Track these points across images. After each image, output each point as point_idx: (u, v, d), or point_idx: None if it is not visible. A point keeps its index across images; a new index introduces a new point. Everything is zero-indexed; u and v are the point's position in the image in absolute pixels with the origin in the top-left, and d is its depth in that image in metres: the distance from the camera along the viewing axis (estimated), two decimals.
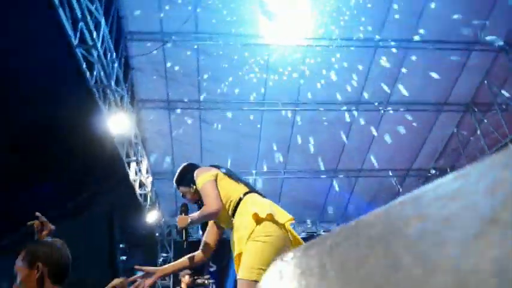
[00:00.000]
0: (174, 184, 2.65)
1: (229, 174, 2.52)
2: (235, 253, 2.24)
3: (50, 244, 1.72)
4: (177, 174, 2.65)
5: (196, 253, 2.56)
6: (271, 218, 2.20)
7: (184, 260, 2.54)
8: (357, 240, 0.40)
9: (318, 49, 6.71)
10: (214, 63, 6.83)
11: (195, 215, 2.36)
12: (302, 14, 6.08)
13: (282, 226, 2.24)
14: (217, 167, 2.56)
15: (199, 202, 2.55)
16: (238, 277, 2.16)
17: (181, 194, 2.62)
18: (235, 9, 6.18)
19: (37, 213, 1.96)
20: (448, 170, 8.77)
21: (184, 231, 2.37)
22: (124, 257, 12.72)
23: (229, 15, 6.27)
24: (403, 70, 7.08)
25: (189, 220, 2.31)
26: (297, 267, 0.44)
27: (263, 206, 2.26)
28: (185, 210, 2.45)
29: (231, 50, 6.66)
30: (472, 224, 0.31)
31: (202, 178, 2.42)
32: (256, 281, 2.02)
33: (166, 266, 2.53)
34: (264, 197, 2.45)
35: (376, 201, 9.70)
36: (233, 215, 2.37)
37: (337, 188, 9.38)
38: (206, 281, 5.67)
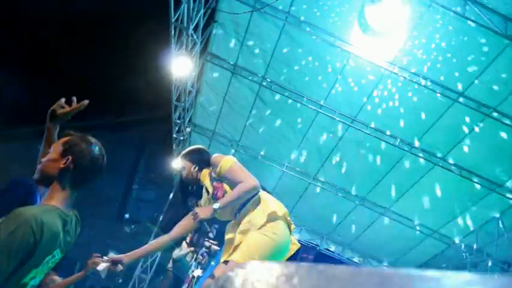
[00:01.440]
0: (180, 155, 2.67)
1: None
2: (235, 243, 2.24)
3: (92, 148, 1.67)
4: (189, 148, 2.69)
5: (164, 238, 2.55)
6: (285, 217, 2.25)
7: (150, 245, 2.55)
8: (317, 283, 0.42)
9: (397, 78, 6.43)
10: (293, 48, 6.73)
11: (225, 199, 2.29)
12: (397, 38, 5.82)
13: (290, 227, 2.29)
14: None
15: (189, 187, 2.59)
16: (230, 258, 2.17)
17: (181, 167, 2.64)
18: (335, 8, 6.01)
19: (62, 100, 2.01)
20: (474, 249, 8.27)
21: (206, 222, 2.36)
22: (137, 186, 13.25)
23: (327, 10, 6.12)
24: (472, 133, 6.63)
25: (216, 206, 2.26)
26: (266, 276, 0.46)
27: (280, 205, 2.32)
28: (196, 203, 2.48)
29: (313, 43, 6.52)
30: None
31: (229, 160, 2.41)
32: None
33: (132, 252, 2.47)
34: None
35: (390, 245, 9.39)
36: (242, 206, 2.36)
37: (357, 216, 9.13)
38: (212, 246, 5.52)
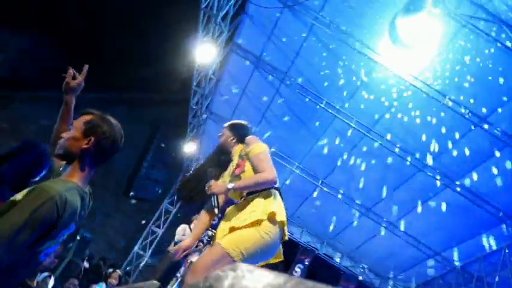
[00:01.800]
0: (226, 123, 2.77)
1: None
2: (230, 224, 2.28)
3: (113, 130, 1.71)
4: (235, 121, 2.81)
5: (205, 217, 2.69)
6: (282, 224, 2.28)
7: (199, 229, 2.71)
8: None
9: (420, 93, 6.30)
10: (319, 49, 6.66)
11: (241, 182, 2.38)
12: (426, 53, 5.69)
13: (283, 236, 2.32)
14: None
15: (221, 157, 2.70)
16: (219, 242, 2.21)
17: (220, 133, 2.74)
18: (367, 15, 5.92)
19: (69, 68, 2.08)
20: (474, 277, 8.10)
21: (215, 197, 2.44)
22: (147, 164, 13.39)
23: (359, 16, 6.02)
24: (490, 161, 6.46)
25: (230, 186, 2.35)
26: (253, 283, 0.47)
27: (282, 210, 2.35)
28: (215, 175, 2.52)
29: (340, 47, 6.43)
30: None
31: (262, 146, 2.50)
32: (231, 257, 2.10)
33: (192, 237, 2.69)
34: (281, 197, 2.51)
35: (389, 260, 9.29)
36: (251, 193, 2.40)
37: (360, 226, 9.03)
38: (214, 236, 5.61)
